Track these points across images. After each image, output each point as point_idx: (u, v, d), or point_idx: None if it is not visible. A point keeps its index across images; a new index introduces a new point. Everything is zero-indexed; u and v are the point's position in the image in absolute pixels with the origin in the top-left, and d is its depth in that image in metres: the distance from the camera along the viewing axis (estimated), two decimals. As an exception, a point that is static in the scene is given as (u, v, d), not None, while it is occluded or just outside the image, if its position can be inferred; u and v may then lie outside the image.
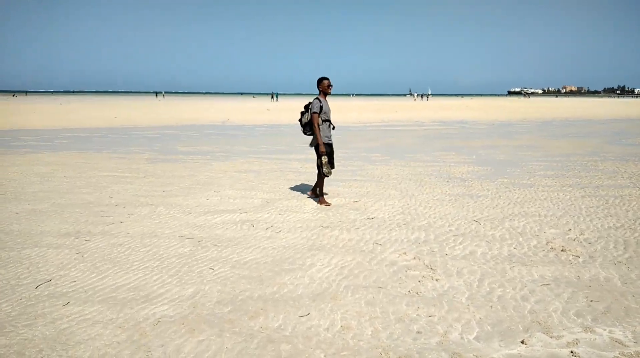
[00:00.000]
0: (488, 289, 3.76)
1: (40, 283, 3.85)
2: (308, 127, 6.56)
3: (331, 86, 6.58)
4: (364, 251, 4.63)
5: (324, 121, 6.48)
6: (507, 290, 3.73)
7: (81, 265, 4.27)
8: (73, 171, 9.28)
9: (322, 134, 6.45)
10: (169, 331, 3.09)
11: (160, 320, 3.24)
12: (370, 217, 5.86)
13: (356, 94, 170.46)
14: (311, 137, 6.52)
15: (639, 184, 7.97)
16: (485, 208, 6.36)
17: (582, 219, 5.76)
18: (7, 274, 4.04)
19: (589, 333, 3.07)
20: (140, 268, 4.19)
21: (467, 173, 9.23)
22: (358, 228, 5.38)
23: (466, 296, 3.63)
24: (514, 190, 7.50)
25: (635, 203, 6.60)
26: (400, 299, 3.56)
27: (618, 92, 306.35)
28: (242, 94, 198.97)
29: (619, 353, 2.84)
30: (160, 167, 9.95)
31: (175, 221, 5.71)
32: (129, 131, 19.28)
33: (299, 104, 45.86)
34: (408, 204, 6.57)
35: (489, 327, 3.16)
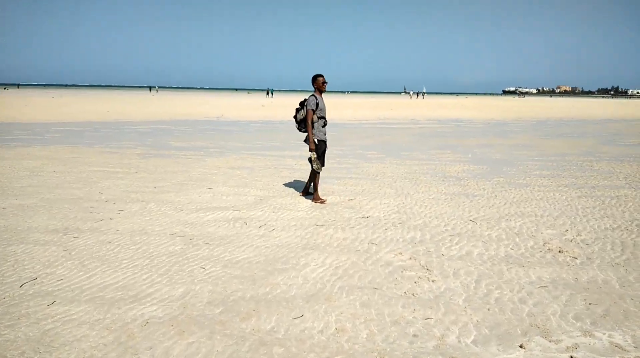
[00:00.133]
0: (485, 291, 3.69)
1: (25, 282, 3.73)
2: (303, 124, 6.50)
3: (326, 83, 6.51)
4: (359, 250, 4.54)
5: (320, 118, 6.40)
6: (505, 292, 3.66)
7: (68, 262, 4.15)
8: (63, 166, 9.12)
9: (316, 132, 6.38)
10: (157, 333, 2.99)
11: (148, 321, 3.13)
12: (366, 216, 5.77)
13: (351, 92, 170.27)
14: (306, 134, 6.44)
15: (634, 185, 7.94)
16: (482, 207, 6.29)
17: (578, 220, 5.71)
18: (-9, 272, 3.92)
19: (589, 338, 3.00)
20: (130, 266, 4.08)
21: (462, 171, 9.17)
22: (353, 227, 5.30)
23: (463, 298, 3.55)
24: (510, 190, 7.44)
25: (631, 204, 6.57)
26: (396, 301, 3.47)
27: (612, 92, 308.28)
28: (236, 90, 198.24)
29: (620, 359, 2.78)
30: (152, 162, 9.81)
31: (167, 218, 5.60)
32: (122, 126, 19.07)
33: (294, 100, 45.68)
34: (403, 203, 6.49)
35: (486, 330, 3.09)
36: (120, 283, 3.73)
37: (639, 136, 18.18)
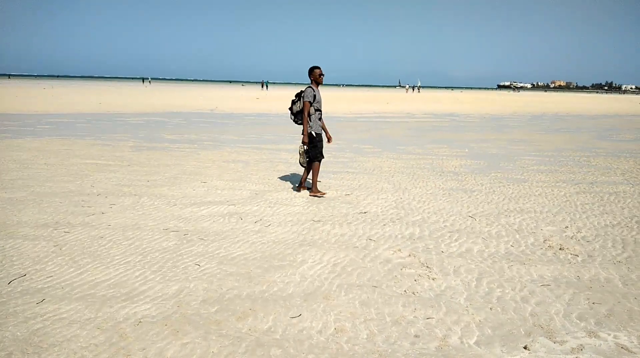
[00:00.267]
0: (487, 289, 3.61)
1: (13, 278, 3.61)
2: (300, 116, 6.39)
3: (323, 75, 6.41)
4: (357, 247, 4.45)
5: (316, 110, 6.31)
6: (507, 291, 3.59)
7: (59, 258, 4.03)
8: (54, 158, 8.95)
9: (313, 124, 6.31)
10: (150, 333, 2.89)
11: (141, 320, 3.03)
12: (363, 211, 5.68)
13: (346, 85, 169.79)
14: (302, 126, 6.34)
15: (632, 181, 7.90)
16: (480, 203, 6.22)
17: (578, 216, 5.65)
18: (-22, 268, 3.79)
19: (594, 339, 2.93)
20: (122, 263, 3.96)
21: (460, 166, 9.09)
22: (350, 223, 5.20)
23: (464, 297, 3.47)
24: (508, 185, 7.38)
25: (630, 200, 6.52)
26: (396, 299, 3.39)
27: (606, 88, 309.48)
28: (230, 82, 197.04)
29: (626, 361, 2.72)
30: (145, 155, 9.66)
31: (160, 212, 5.48)
32: (114, 118, 18.83)
33: (289, 93, 45.44)
34: (401, 198, 6.40)
35: (489, 331, 3.01)
36: (112, 280, 3.61)
37: (634, 131, 18.20)
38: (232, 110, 25.48)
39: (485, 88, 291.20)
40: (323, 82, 6.48)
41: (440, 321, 3.11)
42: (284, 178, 7.64)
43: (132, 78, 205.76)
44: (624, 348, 2.83)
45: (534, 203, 6.28)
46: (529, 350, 2.80)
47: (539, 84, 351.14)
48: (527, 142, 13.58)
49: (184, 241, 4.51)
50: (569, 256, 4.35)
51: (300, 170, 8.21)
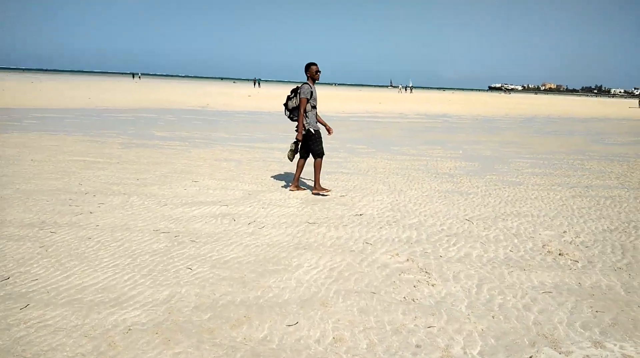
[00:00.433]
0: (488, 296, 3.52)
1: (-5, 282, 3.44)
2: (295, 112, 6.29)
3: (319, 72, 6.32)
4: (353, 251, 4.34)
5: (312, 107, 6.24)
6: (508, 298, 3.50)
7: (44, 260, 3.87)
8: (41, 154, 8.72)
9: (311, 121, 6.24)
10: (141, 341, 2.75)
11: (131, 327, 2.89)
12: (359, 213, 5.57)
13: (338, 84, 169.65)
14: (303, 123, 6.25)
15: (627, 185, 7.89)
16: (477, 206, 6.15)
17: (575, 221, 5.60)
18: (-41, 270, 3.62)
19: (600, 349, 2.85)
20: (110, 265, 3.81)
21: (454, 168, 9.03)
22: (346, 225, 5.09)
23: (465, 304, 3.38)
24: (504, 188, 7.32)
25: (625, 204, 6.49)
26: (396, 306, 3.28)
27: (595, 91, 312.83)
28: (222, 79, 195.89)
29: (634, 374, 2.64)
30: (135, 152, 9.46)
31: (150, 212, 5.32)
32: (103, 113, 18.53)
33: (281, 91, 45.23)
34: (397, 200, 6.31)
35: (492, 340, 2.92)
36: (101, 285, 3.46)
37: (625, 135, 18.33)
38: (223, 107, 25.25)
39: (476, 90, 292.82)
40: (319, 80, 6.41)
41: (441, 330, 3.01)
42: (277, 178, 7.51)
43: (123, 73, 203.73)
44: (630, 360, 2.75)
45: (531, 206, 6.22)
46: (534, 361, 2.71)
47: (530, 86, 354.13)
48: (520, 144, 13.58)
49: (175, 243, 4.37)
50: (569, 262, 4.28)
51: (294, 170, 8.08)
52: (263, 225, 5.01)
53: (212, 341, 2.79)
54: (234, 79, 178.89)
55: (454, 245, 4.62)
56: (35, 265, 3.76)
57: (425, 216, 5.59)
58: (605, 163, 10.26)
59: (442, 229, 5.11)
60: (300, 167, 6.53)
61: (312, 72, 6.27)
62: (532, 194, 6.91)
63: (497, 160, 10.27)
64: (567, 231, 5.19)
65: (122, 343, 2.72)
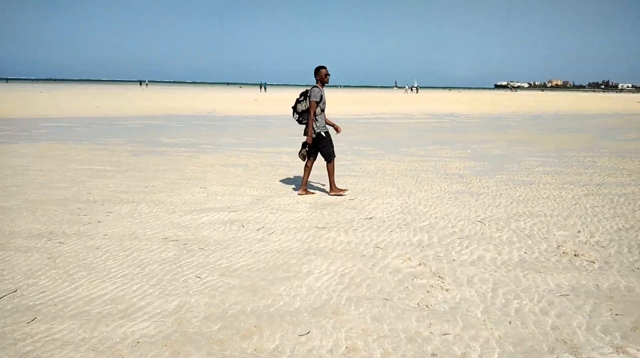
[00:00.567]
0: (503, 301, 3.43)
1: (3, 295, 3.41)
2: (305, 115, 6.27)
3: (329, 75, 6.30)
4: (364, 256, 4.26)
5: (322, 110, 6.23)
6: (524, 302, 3.41)
7: (52, 271, 3.84)
8: (50, 164, 8.74)
9: (320, 124, 6.25)
10: (149, 355, 2.70)
11: (139, 340, 2.84)
12: (369, 217, 5.50)
13: (344, 86, 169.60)
14: (312, 125, 6.22)
15: (641, 181, 7.74)
16: (488, 207, 6.04)
17: (589, 220, 5.48)
18: (-33, 283, 3.60)
19: (622, 355, 2.75)
20: (119, 276, 3.77)
21: (463, 168, 8.92)
22: (356, 230, 5.02)
23: (481, 309, 3.29)
24: (515, 188, 7.20)
25: (641, 202, 6.35)
26: (410, 313, 3.20)
27: (603, 87, 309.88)
28: (228, 84, 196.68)
29: (659, 380, 2.54)
30: (143, 160, 9.46)
31: (158, 220, 5.28)
32: (111, 121, 18.61)
33: (288, 95, 45.29)
34: (407, 202, 6.22)
35: (510, 347, 2.83)
36: (109, 296, 3.42)
37: (635, 130, 18.07)
38: (230, 112, 25.30)
39: (482, 88, 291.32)
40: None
41: (457, 337, 2.93)
42: (285, 182, 7.46)
43: (130, 81, 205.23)
44: (655, 366, 2.65)
45: (543, 206, 6.10)
46: (554, 368, 2.62)
47: (536, 83, 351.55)
48: (529, 142, 13.42)
49: (184, 252, 4.32)
50: (585, 263, 4.18)
51: (302, 174, 8.03)
52: (272, 231, 4.96)
53: (222, 353, 2.73)
54: (240, 84, 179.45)
55: (467, 247, 4.53)
56: (43, 277, 3.73)
57: (436, 218, 5.50)
58: (616, 160, 10.09)
59: (454, 231, 5.02)
60: (307, 170, 6.48)
61: (321, 76, 6.24)
62: (543, 194, 6.79)
63: (507, 159, 10.14)
64: (582, 230, 5.08)
65: (130, 357, 2.67)
